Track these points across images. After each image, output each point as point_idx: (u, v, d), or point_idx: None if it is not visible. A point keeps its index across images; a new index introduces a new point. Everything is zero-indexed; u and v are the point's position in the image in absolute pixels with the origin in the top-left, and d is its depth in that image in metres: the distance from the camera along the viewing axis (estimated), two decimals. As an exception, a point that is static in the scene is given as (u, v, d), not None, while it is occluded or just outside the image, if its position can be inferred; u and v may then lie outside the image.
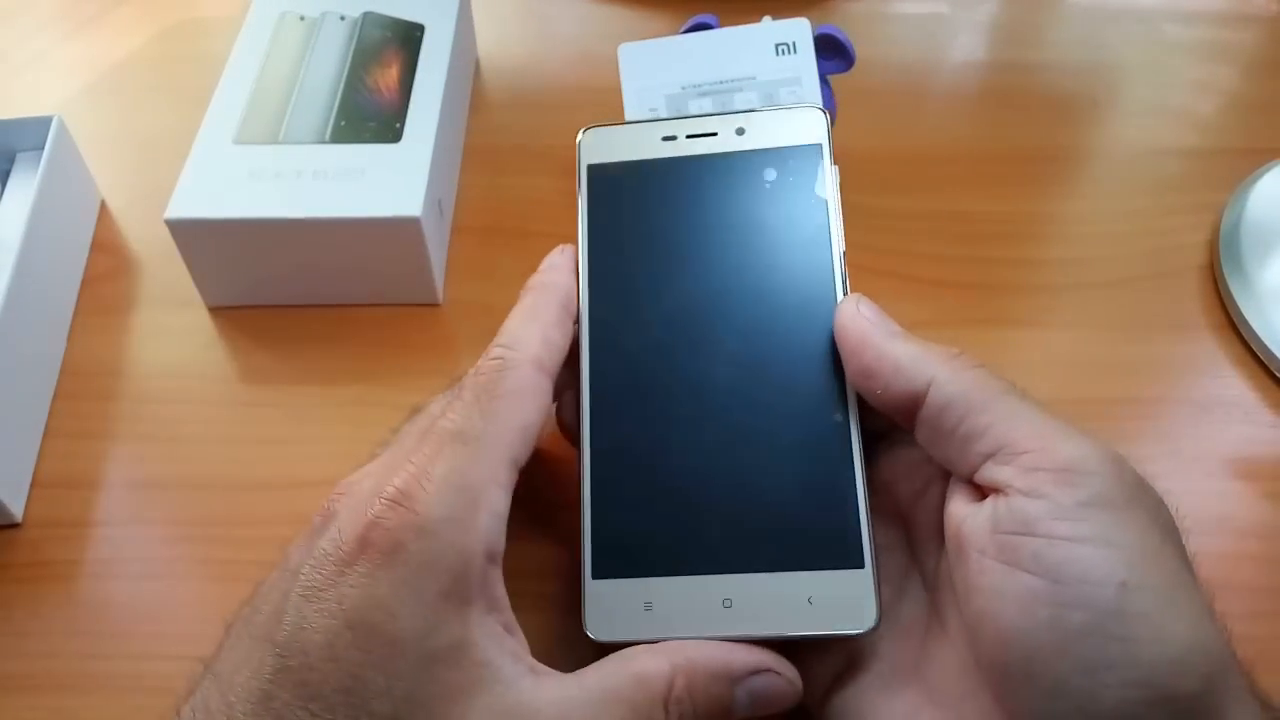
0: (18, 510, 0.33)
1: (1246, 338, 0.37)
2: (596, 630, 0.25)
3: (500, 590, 0.24)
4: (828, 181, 0.29)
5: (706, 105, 0.38)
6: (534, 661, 0.24)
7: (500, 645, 0.23)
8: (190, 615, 0.31)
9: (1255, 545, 0.32)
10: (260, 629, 0.23)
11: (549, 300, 0.28)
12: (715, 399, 0.27)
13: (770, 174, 0.29)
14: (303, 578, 0.23)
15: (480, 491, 0.24)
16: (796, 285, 0.28)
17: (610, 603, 0.25)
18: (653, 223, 0.29)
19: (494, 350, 0.27)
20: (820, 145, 0.29)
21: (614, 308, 0.28)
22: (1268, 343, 0.36)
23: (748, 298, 0.28)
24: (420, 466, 0.24)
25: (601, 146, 0.30)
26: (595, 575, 0.26)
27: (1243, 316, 0.37)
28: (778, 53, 0.38)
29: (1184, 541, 0.23)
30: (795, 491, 0.26)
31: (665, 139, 0.30)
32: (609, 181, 0.30)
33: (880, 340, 0.26)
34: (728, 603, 0.25)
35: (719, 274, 0.28)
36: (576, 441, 0.28)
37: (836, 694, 0.25)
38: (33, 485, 0.34)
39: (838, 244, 0.28)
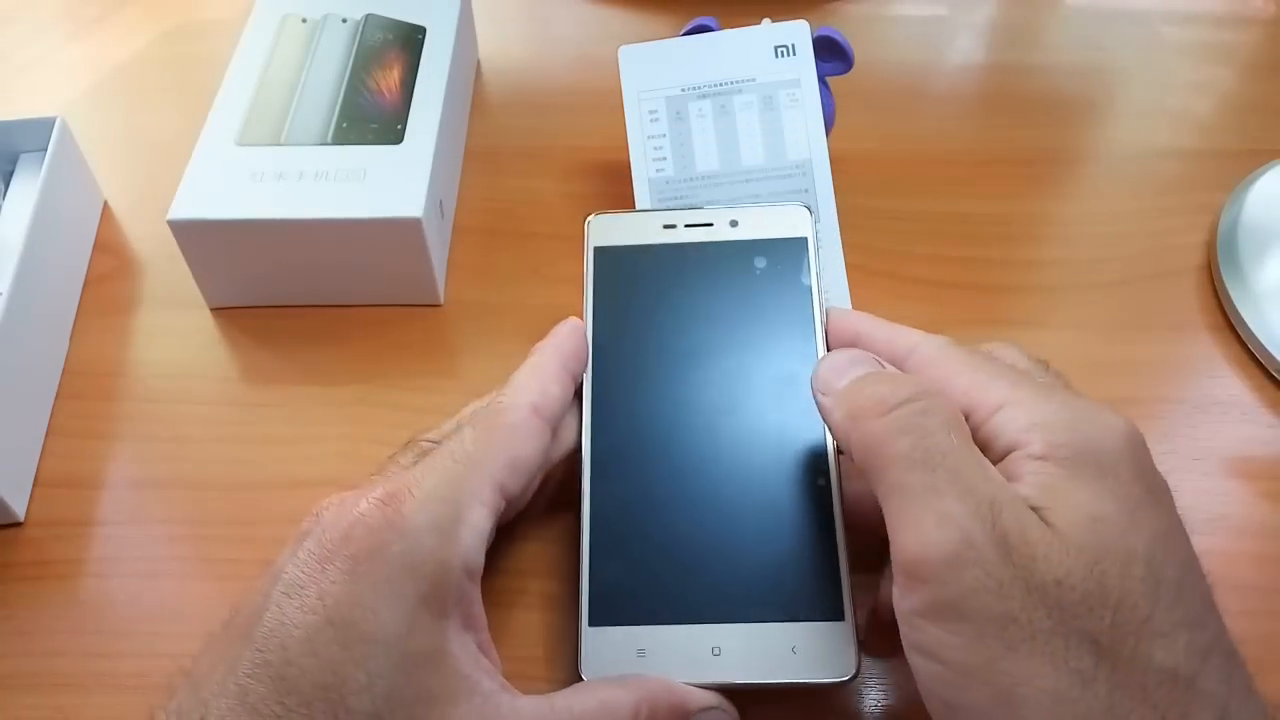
0: (20, 509, 0.33)
1: (1244, 338, 0.38)
2: (591, 674, 0.27)
3: (479, 610, 0.25)
4: (813, 270, 0.32)
5: (706, 107, 0.38)
6: (505, 682, 0.24)
7: (477, 662, 0.24)
8: (191, 614, 0.31)
9: (1252, 544, 0.33)
10: (238, 629, 0.23)
11: (550, 358, 0.29)
12: (707, 463, 0.29)
13: (760, 262, 0.32)
14: (286, 576, 0.23)
15: (464, 506, 0.25)
16: (782, 362, 0.30)
17: (605, 648, 0.27)
18: (653, 301, 0.32)
19: (492, 397, 0.28)
20: (806, 239, 0.32)
21: (615, 376, 0.30)
22: (1265, 343, 0.37)
23: (738, 372, 0.30)
24: (411, 478, 0.25)
25: (607, 231, 0.33)
26: (592, 623, 0.27)
27: (1240, 317, 0.38)
28: (777, 55, 0.38)
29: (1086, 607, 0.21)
30: (780, 549, 0.28)
31: (666, 227, 0.33)
32: (613, 263, 0.32)
33: (825, 412, 0.26)
34: (716, 650, 0.27)
35: (712, 350, 0.31)
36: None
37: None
38: (35, 484, 0.34)
39: (820, 327, 0.31)
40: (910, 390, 0.24)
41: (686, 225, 0.33)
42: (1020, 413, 0.24)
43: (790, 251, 0.32)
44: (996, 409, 0.24)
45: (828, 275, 0.36)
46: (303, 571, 0.23)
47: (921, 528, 0.22)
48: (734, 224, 0.32)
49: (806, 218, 0.32)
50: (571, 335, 0.30)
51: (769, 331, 0.31)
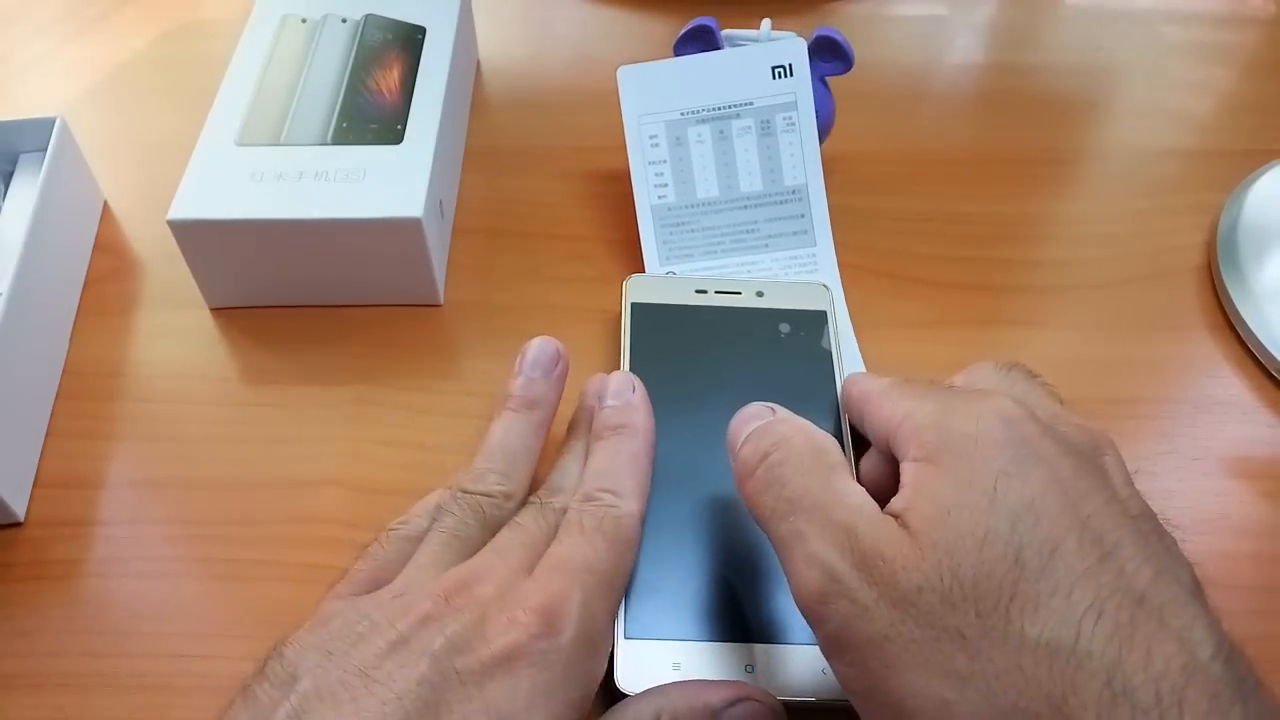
0: (20, 509, 0.33)
1: (1244, 338, 0.38)
2: (626, 684, 0.27)
3: None
4: (833, 337, 0.35)
5: (705, 132, 0.38)
6: None
7: None
8: (192, 614, 0.31)
9: (1252, 544, 0.33)
10: (376, 703, 0.22)
11: (643, 450, 0.29)
12: (735, 500, 0.29)
13: (785, 327, 0.35)
14: (443, 668, 0.23)
15: (605, 623, 0.26)
16: (806, 406, 0.30)
17: (640, 661, 0.28)
18: (685, 352, 0.34)
19: (603, 496, 0.28)
20: (826, 311, 0.35)
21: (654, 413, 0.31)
22: (1265, 343, 0.37)
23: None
24: (562, 590, 0.25)
25: (643, 289, 0.36)
26: (628, 636, 0.28)
27: (1240, 317, 0.38)
28: (774, 76, 0.38)
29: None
30: None
31: (698, 291, 0.36)
32: (648, 318, 0.35)
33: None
34: (749, 668, 0.28)
35: (739, 399, 0.31)
36: None
37: None
38: (35, 485, 0.34)
39: (840, 384, 0.33)
40: (767, 444, 0.25)
41: (717, 292, 0.36)
42: (910, 422, 0.25)
43: (812, 320, 0.35)
44: (899, 426, 0.25)
45: (827, 279, 0.36)
46: (458, 670, 0.23)
47: (798, 575, 0.23)
48: (760, 294, 0.36)
49: (827, 295, 0.36)
50: (644, 409, 0.30)
51: (792, 387, 0.33)
